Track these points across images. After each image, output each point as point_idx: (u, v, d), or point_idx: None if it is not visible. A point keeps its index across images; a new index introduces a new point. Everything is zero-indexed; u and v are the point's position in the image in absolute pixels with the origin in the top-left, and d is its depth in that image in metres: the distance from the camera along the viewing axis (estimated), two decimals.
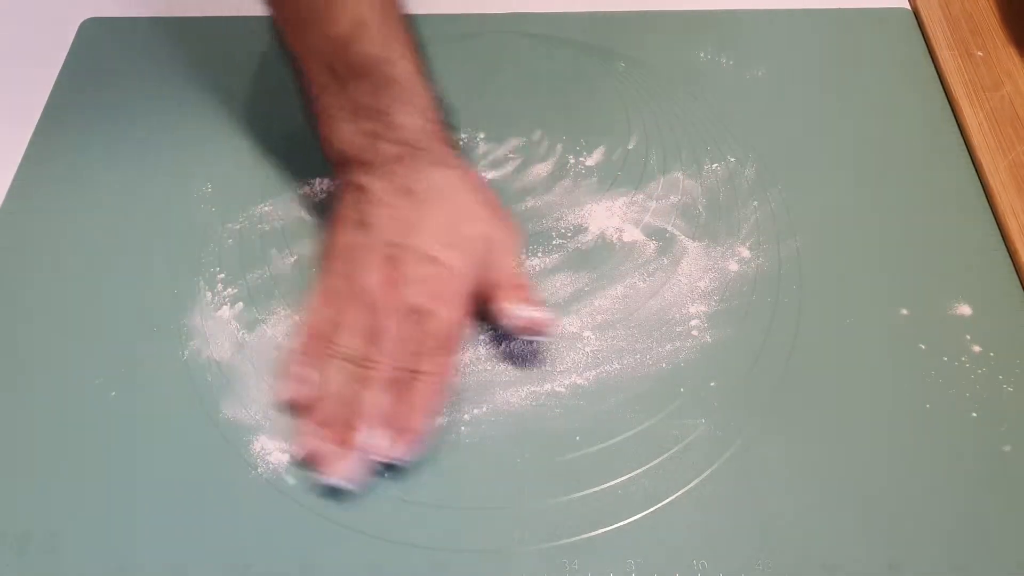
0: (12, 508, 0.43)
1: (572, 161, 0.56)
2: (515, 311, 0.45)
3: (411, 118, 0.47)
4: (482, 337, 0.48)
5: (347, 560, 0.41)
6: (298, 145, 0.55)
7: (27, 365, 0.48)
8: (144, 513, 0.43)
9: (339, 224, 0.48)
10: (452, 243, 0.46)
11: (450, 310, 0.45)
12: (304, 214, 0.53)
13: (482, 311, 0.47)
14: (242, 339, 0.48)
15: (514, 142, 0.57)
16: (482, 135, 0.57)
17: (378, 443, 0.42)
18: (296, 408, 0.45)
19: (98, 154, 0.56)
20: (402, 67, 0.46)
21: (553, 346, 0.48)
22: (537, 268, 0.51)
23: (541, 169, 0.55)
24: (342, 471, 0.42)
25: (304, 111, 0.49)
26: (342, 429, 0.43)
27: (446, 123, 0.49)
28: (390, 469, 0.43)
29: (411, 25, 0.47)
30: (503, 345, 0.47)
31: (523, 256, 0.51)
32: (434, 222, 0.46)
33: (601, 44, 0.62)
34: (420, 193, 0.46)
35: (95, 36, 0.63)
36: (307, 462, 0.43)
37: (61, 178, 0.55)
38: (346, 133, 0.47)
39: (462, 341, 0.46)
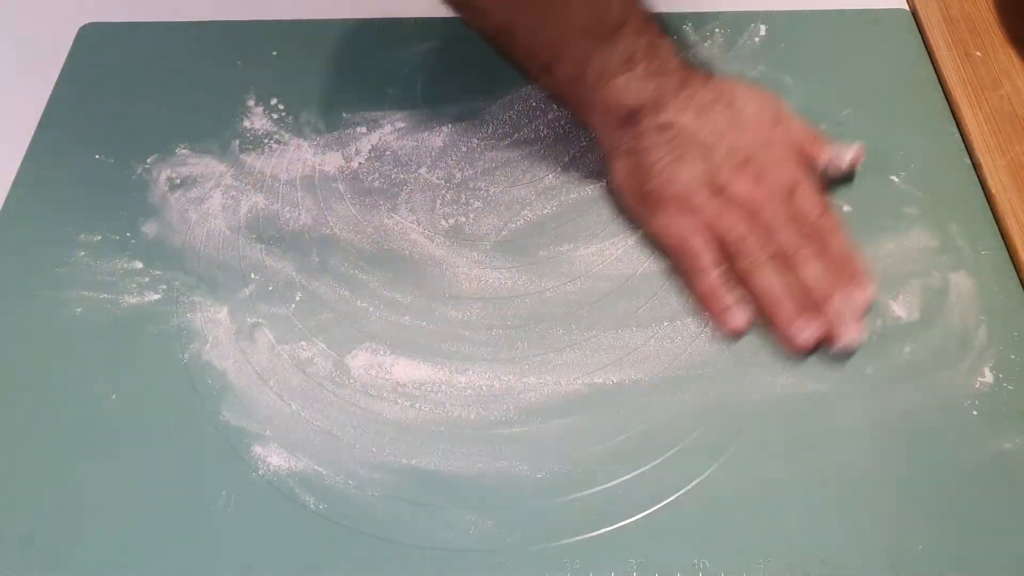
0: (14, 509, 0.43)
1: (572, 161, 0.56)
2: (838, 157, 0.52)
3: (669, 44, 0.50)
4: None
5: (347, 560, 0.41)
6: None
7: (27, 367, 0.48)
8: (145, 514, 0.43)
9: (666, 168, 0.49)
10: (774, 122, 0.50)
11: (809, 175, 0.50)
12: (304, 216, 0.53)
13: None
14: (242, 341, 0.48)
15: (517, 138, 0.57)
16: (476, 138, 0.57)
17: (853, 298, 0.47)
18: (741, 333, 0.48)
19: (97, 158, 0.56)
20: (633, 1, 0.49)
21: (555, 346, 0.48)
22: (547, 285, 0.51)
23: (543, 169, 0.56)
24: (853, 336, 0.46)
25: (557, 98, 0.53)
26: (813, 310, 0.47)
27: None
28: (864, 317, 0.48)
29: None
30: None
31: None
32: (747, 116, 0.50)
33: None
34: (719, 100, 0.50)
35: (94, 41, 0.63)
36: (809, 350, 0.47)
37: (60, 181, 0.55)
38: (629, 85, 0.48)
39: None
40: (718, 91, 0.50)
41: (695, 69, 0.51)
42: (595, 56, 0.48)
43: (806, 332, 0.46)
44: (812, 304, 0.47)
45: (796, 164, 0.50)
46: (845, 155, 0.52)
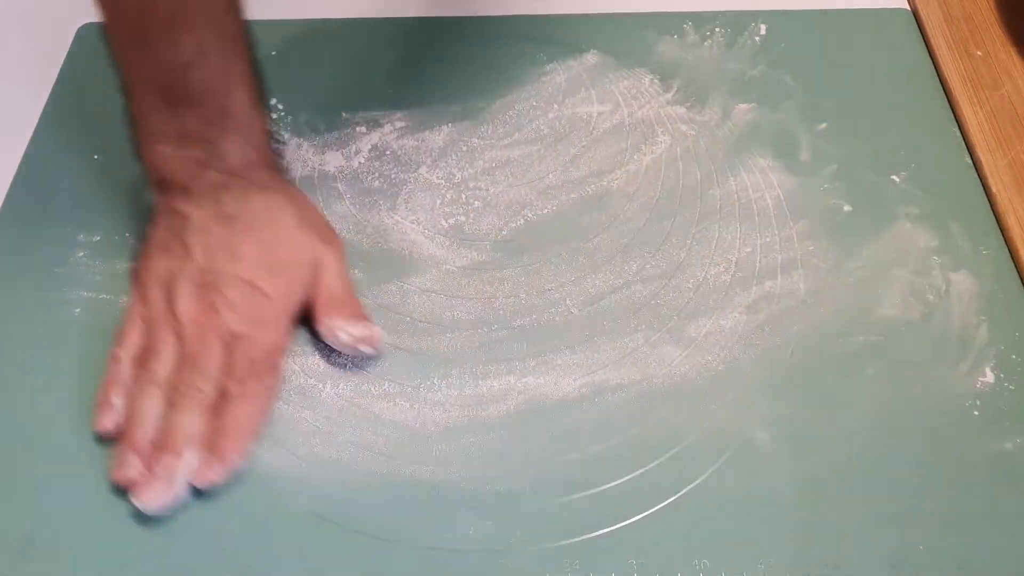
0: (14, 510, 0.43)
1: (572, 161, 0.56)
2: (336, 329, 0.46)
3: (240, 148, 0.47)
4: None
5: (348, 561, 0.41)
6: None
7: (27, 367, 0.48)
8: (146, 516, 0.43)
9: (154, 249, 0.48)
10: (272, 268, 0.46)
11: (267, 334, 0.46)
12: None
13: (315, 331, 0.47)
14: None
15: (517, 138, 0.57)
16: (476, 138, 0.57)
17: (187, 467, 0.42)
18: (108, 436, 0.44)
19: (95, 158, 0.56)
20: (237, 97, 0.46)
21: (555, 346, 0.48)
22: (547, 286, 0.51)
23: (543, 169, 0.56)
24: (148, 498, 0.42)
25: (128, 127, 0.48)
26: (153, 454, 0.42)
27: (276, 151, 0.50)
28: (200, 494, 0.43)
29: (253, 51, 0.46)
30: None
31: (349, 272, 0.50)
32: (253, 248, 0.46)
33: (601, 46, 0.62)
34: (241, 220, 0.47)
35: (94, 41, 0.62)
36: (123, 488, 0.42)
37: (60, 181, 0.55)
38: (170, 158, 0.46)
39: (280, 366, 0.46)
40: (249, 209, 0.47)
41: (258, 179, 0.48)
42: (154, 114, 0.45)
43: (123, 469, 0.42)
44: (156, 445, 0.43)
45: (270, 320, 0.46)
46: (347, 331, 0.46)
